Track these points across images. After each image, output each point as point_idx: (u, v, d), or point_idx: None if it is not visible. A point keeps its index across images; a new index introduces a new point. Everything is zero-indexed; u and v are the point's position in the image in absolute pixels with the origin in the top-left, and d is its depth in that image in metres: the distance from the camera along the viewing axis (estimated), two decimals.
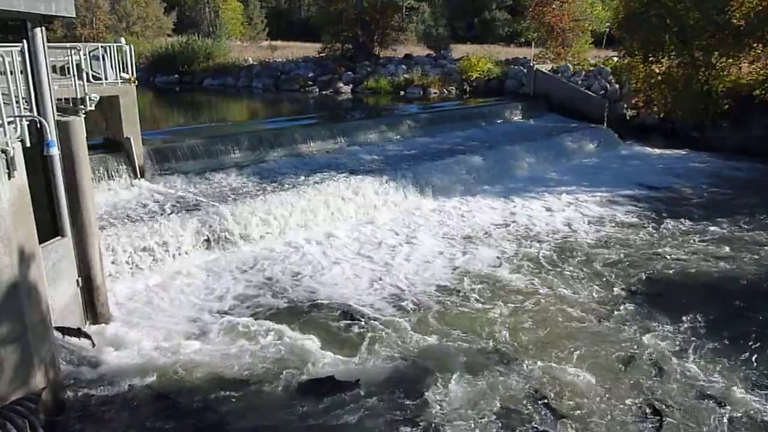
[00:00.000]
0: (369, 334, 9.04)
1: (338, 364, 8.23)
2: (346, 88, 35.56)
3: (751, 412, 7.29)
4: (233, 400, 7.46)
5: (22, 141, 6.59)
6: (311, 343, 8.74)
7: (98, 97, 9.68)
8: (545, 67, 28.72)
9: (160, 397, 7.50)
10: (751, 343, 8.90)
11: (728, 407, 7.37)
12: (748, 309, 10.11)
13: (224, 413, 7.23)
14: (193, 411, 7.26)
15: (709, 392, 7.67)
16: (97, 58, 12.08)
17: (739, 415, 7.23)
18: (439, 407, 7.28)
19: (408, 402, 7.38)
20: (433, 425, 6.96)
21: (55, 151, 7.73)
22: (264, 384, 7.77)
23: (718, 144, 22.67)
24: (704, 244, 13.21)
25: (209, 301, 10.14)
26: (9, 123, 6.30)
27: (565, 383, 7.80)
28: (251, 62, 42.32)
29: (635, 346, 8.82)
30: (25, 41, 7.05)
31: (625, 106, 25.57)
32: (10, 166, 6.18)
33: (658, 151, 23.52)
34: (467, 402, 7.38)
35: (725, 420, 7.14)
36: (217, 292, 10.47)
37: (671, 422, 7.10)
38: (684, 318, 9.64)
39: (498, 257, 12.36)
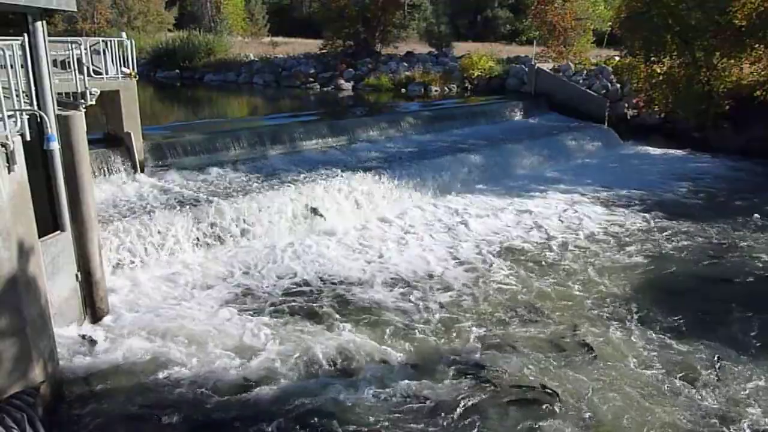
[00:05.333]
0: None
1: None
2: (347, 85, 35.50)
3: None
4: (234, 395, 7.46)
5: (22, 135, 6.60)
6: (312, 337, 8.77)
7: (99, 92, 9.69)
8: (547, 66, 28.68)
9: (159, 391, 7.51)
10: (748, 342, 8.92)
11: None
12: (746, 308, 10.11)
13: (225, 409, 7.24)
14: (193, 406, 7.27)
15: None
16: (98, 53, 12.08)
17: None
18: None
19: None
20: None
21: (55, 146, 7.74)
22: (267, 379, 7.78)
23: (719, 145, 22.62)
24: (704, 244, 13.21)
25: (209, 296, 10.15)
26: (9, 117, 6.31)
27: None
28: (252, 58, 42.27)
29: (630, 342, 8.85)
30: (25, 35, 7.05)
31: (626, 105, 25.54)
32: (10, 160, 6.18)
33: (658, 151, 23.49)
34: None
35: None
36: (217, 288, 10.47)
37: None
38: (682, 316, 9.66)
39: (489, 254, 12.39)
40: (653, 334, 9.15)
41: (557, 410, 7.24)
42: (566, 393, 7.57)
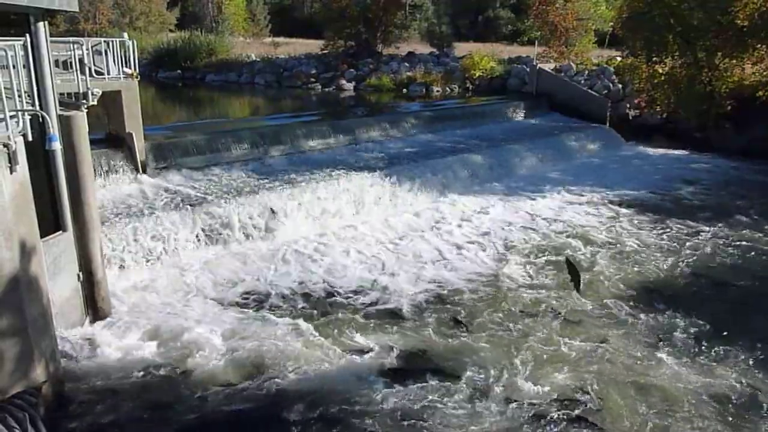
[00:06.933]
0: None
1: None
2: (349, 86, 35.52)
3: None
4: (235, 395, 7.47)
5: (24, 135, 6.61)
6: (318, 335, 8.79)
7: (100, 92, 9.69)
8: (548, 66, 28.68)
9: (160, 391, 7.52)
10: (750, 342, 8.90)
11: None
12: (748, 310, 10.10)
13: (226, 409, 7.25)
14: (194, 407, 7.28)
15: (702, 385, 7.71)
16: (100, 53, 12.09)
17: None
18: None
19: None
20: None
21: (57, 146, 7.75)
22: (269, 378, 7.79)
23: (720, 145, 22.60)
24: (705, 244, 13.18)
25: (211, 297, 10.15)
26: (11, 117, 6.31)
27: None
28: (254, 58, 42.31)
29: (631, 341, 8.84)
30: (27, 35, 7.06)
31: (628, 106, 25.53)
32: (12, 160, 6.19)
33: (660, 151, 23.48)
34: None
35: None
36: (218, 288, 10.47)
37: None
38: (682, 317, 9.65)
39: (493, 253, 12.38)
40: (677, 341, 9.00)
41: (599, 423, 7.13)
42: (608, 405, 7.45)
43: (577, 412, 7.26)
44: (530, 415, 7.18)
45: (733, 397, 7.61)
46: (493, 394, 7.55)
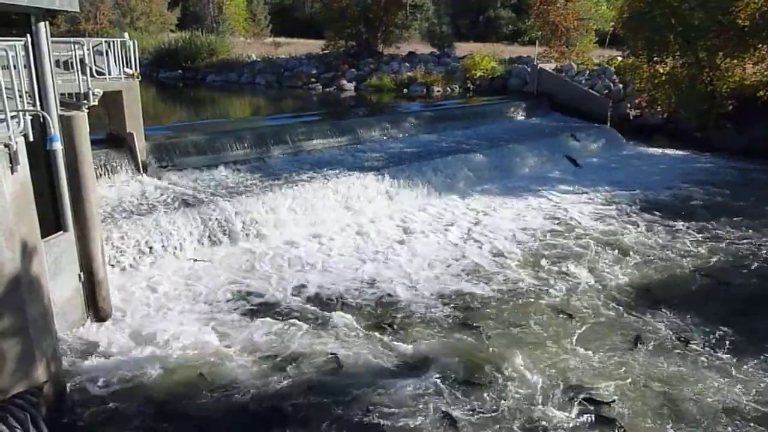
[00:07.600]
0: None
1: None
2: (350, 86, 35.54)
3: None
4: (236, 396, 7.47)
5: (25, 135, 6.61)
6: (320, 334, 8.79)
7: (101, 92, 9.69)
8: (549, 66, 28.67)
9: (162, 391, 7.51)
10: (750, 343, 8.88)
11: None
12: (749, 310, 10.10)
13: (227, 410, 7.25)
14: (196, 406, 7.28)
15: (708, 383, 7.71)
16: (101, 53, 12.10)
17: None
18: None
19: None
20: None
21: (58, 146, 7.74)
22: (272, 379, 7.79)
23: (721, 145, 22.58)
24: (707, 244, 13.17)
25: (212, 298, 10.14)
26: (12, 117, 6.31)
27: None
28: (254, 58, 42.37)
29: (645, 345, 8.84)
30: (28, 35, 7.06)
31: (629, 105, 25.52)
32: (13, 160, 6.19)
33: (661, 151, 23.46)
34: None
35: None
36: (219, 289, 10.46)
37: None
38: (683, 318, 9.64)
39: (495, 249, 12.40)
40: (693, 344, 8.91)
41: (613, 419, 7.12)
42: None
43: (597, 418, 7.20)
44: (550, 421, 7.13)
45: (754, 405, 7.52)
46: (508, 399, 7.50)
